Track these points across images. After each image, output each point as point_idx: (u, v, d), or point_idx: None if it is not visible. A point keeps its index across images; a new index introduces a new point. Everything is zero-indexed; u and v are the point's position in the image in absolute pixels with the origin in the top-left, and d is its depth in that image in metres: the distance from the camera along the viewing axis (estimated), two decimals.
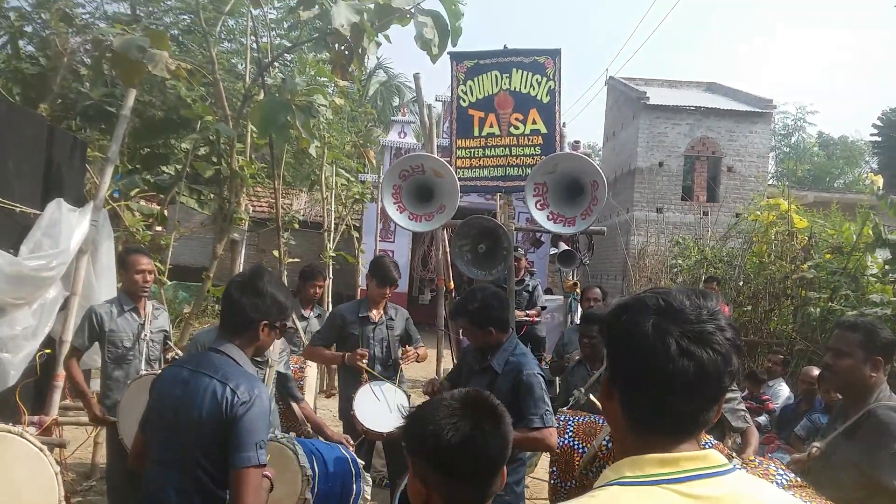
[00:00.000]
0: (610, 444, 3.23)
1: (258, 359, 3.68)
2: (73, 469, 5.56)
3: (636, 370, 1.18)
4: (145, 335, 4.55)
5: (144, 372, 4.30)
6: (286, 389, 4.24)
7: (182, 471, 2.34)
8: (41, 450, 3.43)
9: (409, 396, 4.66)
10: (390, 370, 4.74)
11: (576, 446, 3.37)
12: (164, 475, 2.37)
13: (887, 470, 2.49)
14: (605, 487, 1.14)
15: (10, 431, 3.38)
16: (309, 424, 4.17)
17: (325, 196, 11.37)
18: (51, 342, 4.95)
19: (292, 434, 3.42)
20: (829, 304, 7.89)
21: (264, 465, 2.31)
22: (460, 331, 7.76)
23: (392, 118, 19.32)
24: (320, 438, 3.79)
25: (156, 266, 5.11)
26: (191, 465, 2.33)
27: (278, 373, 4.00)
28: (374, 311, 4.82)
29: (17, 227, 4.74)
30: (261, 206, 17.13)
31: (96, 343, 4.49)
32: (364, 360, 4.55)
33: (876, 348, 2.80)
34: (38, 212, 4.89)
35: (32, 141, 5.08)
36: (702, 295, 1.21)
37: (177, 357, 4.81)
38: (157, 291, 7.19)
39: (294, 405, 4.23)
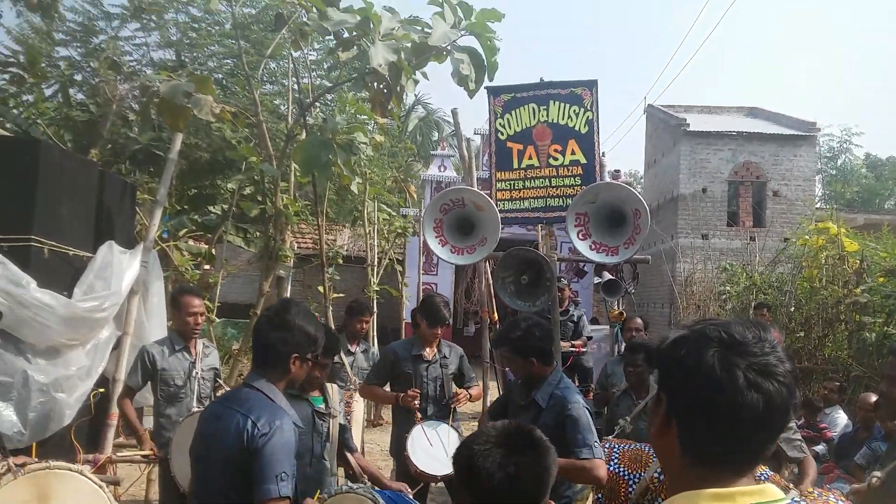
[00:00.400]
0: (662, 477, 3.17)
1: (322, 410, 3.70)
2: None
3: (701, 404, 1.16)
4: (196, 373, 4.63)
5: (196, 409, 4.36)
6: (342, 440, 4.08)
7: (209, 500, 2.39)
8: (101, 487, 3.51)
9: (461, 436, 4.56)
10: (444, 409, 4.69)
11: (621, 473, 3.34)
12: None
13: None
14: None
15: (70, 469, 3.47)
16: (365, 476, 4.06)
17: (367, 231, 11.49)
18: (104, 381, 5.06)
19: (368, 483, 3.43)
20: (886, 328, 7.67)
21: (287, 498, 2.30)
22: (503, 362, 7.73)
23: (432, 152, 19.50)
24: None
25: (205, 304, 5.21)
26: (221, 499, 2.36)
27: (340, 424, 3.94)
28: (427, 350, 4.79)
29: (71, 269, 4.88)
30: (305, 243, 17.36)
31: (149, 382, 4.58)
32: (416, 401, 4.52)
33: None
34: (90, 254, 5.03)
35: (84, 186, 5.25)
36: (759, 326, 1.20)
37: None
38: (207, 329, 7.33)
39: (349, 456, 4.05)
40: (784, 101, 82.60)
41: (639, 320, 6.55)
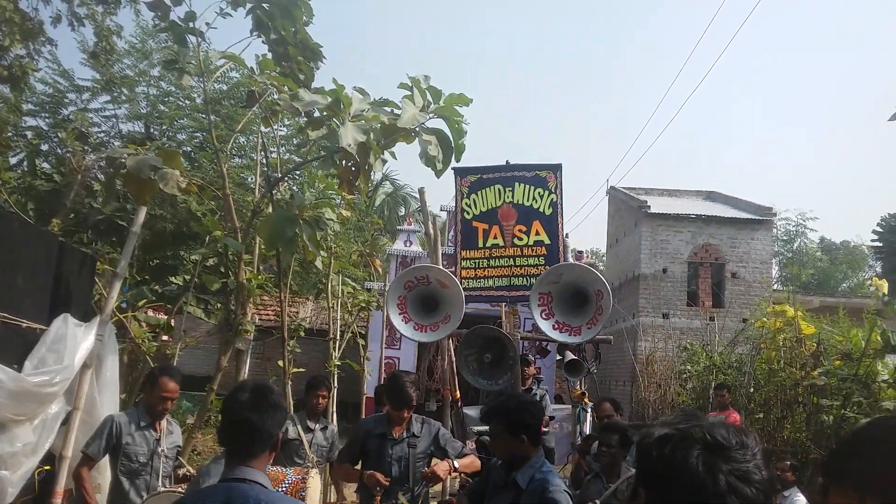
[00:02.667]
0: None
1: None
2: None
3: (679, 502, 1.19)
4: (161, 451, 4.49)
5: (162, 489, 4.20)
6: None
7: None
8: None
9: None
10: (410, 491, 4.38)
11: None
12: None
13: None
14: None
15: None
16: None
17: (331, 305, 11.40)
18: (50, 458, 4.87)
19: None
20: (843, 411, 7.76)
21: None
22: (467, 443, 7.62)
23: (398, 227, 19.61)
24: None
25: None
26: None
27: None
28: (396, 428, 4.55)
29: (24, 342, 4.75)
30: (267, 315, 17.15)
31: (107, 455, 4.42)
32: (379, 487, 4.22)
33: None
34: (44, 327, 4.91)
35: (42, 257, 5.17)
36: (741, 432, 1.25)
37: (189, 474, 4.72)
38: None
39: None
40: (742, 185, 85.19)
41: (607, 405, 6.43)
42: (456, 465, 4.40)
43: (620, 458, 4.89)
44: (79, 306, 5.59)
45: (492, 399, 4.42)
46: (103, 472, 4.69)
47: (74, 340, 4.94)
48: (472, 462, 4.53)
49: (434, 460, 4.56)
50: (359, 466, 4.63)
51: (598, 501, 4.53)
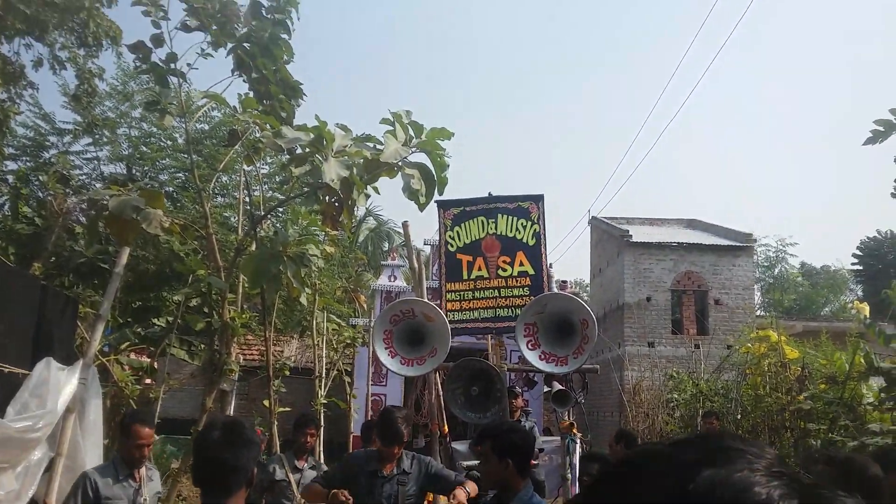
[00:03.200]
0: None
1: None
2: None
3: None
4: (143, 500, 4.40)
5: None
6: None
7: None
8: None
9: None
10: None
11: None
12: None
13: None
14: None
15: None
16: None
17: (316, 342, 11.34)
18: None
19: None
20: (830, 434, 7.77)
21: None
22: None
23: (382, 262, 19.61)
24: None
25: None
26: None
27: None
28: (387, 465, 4.49)
29: (6, 387, 4.69)
30: (251, 354, 17.01)
31: None
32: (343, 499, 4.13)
33: (849, 484, 2.72)
34: (26, 372, 4.85)
35: (24, 301, 5.12)
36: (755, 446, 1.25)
37: None
38: None
39: None
40: (722, 212, 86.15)
41: (612, 436, 6.20)
42: (468, 491, 4.29)
43: None
44: (61, 350, 5.53)
45: (487, 423, 4.40)
46: None
47: (57, 385, 4.88)
48: (474, 487, 4.43)
49: (452, 492, 4.38)
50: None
51: None
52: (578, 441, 8.27)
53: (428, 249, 19.22)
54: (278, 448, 7.72)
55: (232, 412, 9.09)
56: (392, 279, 18.26)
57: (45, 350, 5.19)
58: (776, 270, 44.19)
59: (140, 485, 4.43)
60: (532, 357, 5.72)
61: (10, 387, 4.71)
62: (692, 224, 24.18)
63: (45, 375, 4.86)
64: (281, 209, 10.58)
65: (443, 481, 4.52)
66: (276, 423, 7.93)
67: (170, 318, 8.59)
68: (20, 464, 4.66)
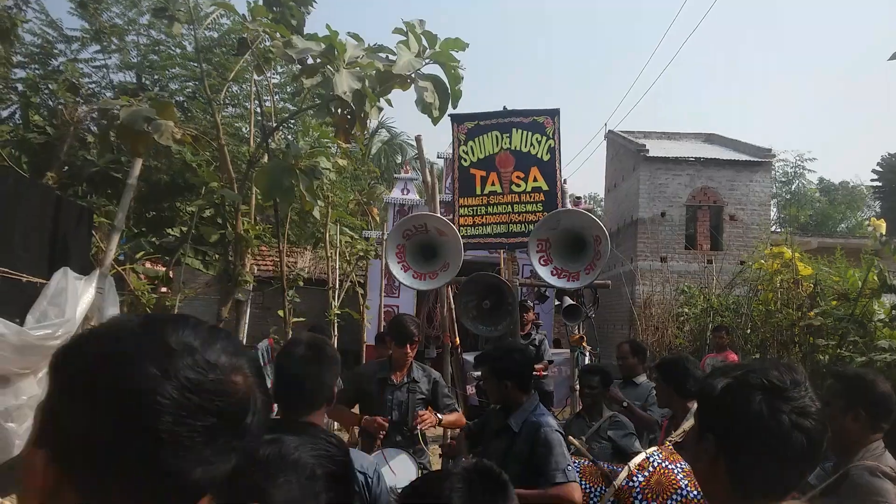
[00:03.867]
0: (632, 483, 3.22)
1: None
2: None
3: (752, 445, 1.32)
4: None
5: None
6: None
7: None
8: None
9: (423, 467, 4.28)
10: (410, 437, 4.42)
11: (585, 488, 3.39)
12: None
13: None
14: None
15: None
16: None
17: (329, 254, 11.42)
18: None
19: None
20: (838, 350, 7.83)
21: None
22: (467, 388, 7.72)
23: (395, 175, 19.50)
24: None
25: None
26: None
27: None
28: (397, 373, 4.59)
29: (24, 296, 4.76)
30: (265, 265, 17.19)
31: None
32: (382, 431, 4.24)
33: (857, 399, 2.70)
34: (44, 281, 4.92)
35: (39, 211, 5.15)
36: (791, 369, 1.37)
37: None
38: None
39: None
40: (740, 127, 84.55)
41: (626, 347, 6.28)
42: (440, 418, 4.46)
43: (602, 399, 5.02)
44: (77, 260, 5.59)
45: (489, 345, 4.48)
46: None
47: (75, 294, 4.96)
48: (458, 419, 4.60)
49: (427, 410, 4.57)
50: (356, 409, 4.70)
51: (583, 438, 4.63)
52: (587, 354, 8.39)
53: (441, 163, 19.08)
54: None
55: (247, 322, 9.26)
56: (405, 192, 18.20)
57: (62, 260, 5.25)
58: (793, 186, 43.64)
59: None
60: (544, 272, 5.73)
61: (29, 296, 4.79)
62: (710, 139, 23.75)
63: (63, 285, 4.93)
64: (292, 121, 10.46)
65: (438, 400, 4.65)
66: (290, 332, 8.08)
67: (184, 229, 8.63)
68: (41, 370, 4.78)
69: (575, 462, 3.56)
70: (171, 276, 9.06)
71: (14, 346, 4.36)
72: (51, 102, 8.53)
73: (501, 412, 3.60)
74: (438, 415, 4.48)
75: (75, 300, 4.93)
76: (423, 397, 4.61)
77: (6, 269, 4.52)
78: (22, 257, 4.82)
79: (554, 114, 6.03)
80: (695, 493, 3.06)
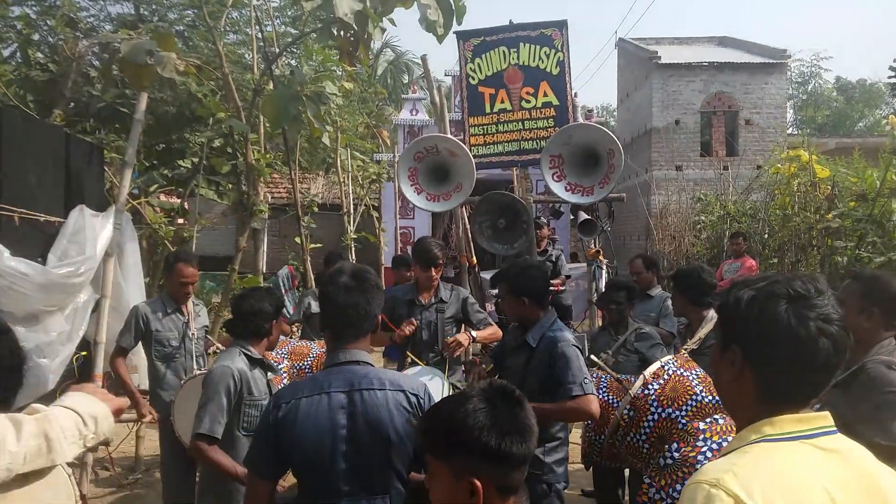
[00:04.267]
0: (630, 413, 3.30)
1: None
2: (119, 463, 5.70)
3: (779, 354, 1.35)
4: (192, 333, 4.62)
5: (198, 371, 4.34)
6: None
7: (375, 491, 2.28)
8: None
9: (453, 387, 4.24)
10: (439, 357, 4.44)
11: (610, 401, 3.46)
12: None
13: (868, 423, 2.42)
14: (753, 444, 1.33)
15: None
16: None
17: (341, 179, 11.41)
18: (86, 345, 5.05)
19: None
20: (857, 251, 7.80)
21: None
22: (486, 306, 7.81)
23: (403, 96, 19.21)
24: None
25: None
26: (387, 482, 2.28)
27: None
28: (425, 294, 4.61)
29: (44, 236, 4.83)
30: (279, 192, 17.21)
31: (140, 342, 4.56)
32: (409, 329, 4.34)
33: (872, 299, 2.73)
34: (62, 220, 4.97)
35: (50, 150, 5.16)
36: (812, 279, 1.39)
37: (218, 350, 4.87)
38: None
39: None
40: (754, 28, 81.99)
41: (638, 262, 6.25)
42: (475, 335, 4.48)
43: (627, 312, 5.03)
44: (92, 197, 5.63)
45: (506, 263, 4.48)
46: (137, 354, 4.86)
47: (93, 231, 5.01)
48: (493, 333, 4.57)
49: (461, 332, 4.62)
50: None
51: (609, 352, 4.68)
52: (604, 267, 8.41)
53: (449, 81, 18.73)
54: (312, 283, 7.99)
55: (265, 249, 9.36)
56: (414, 112, 17.95)
57: (77, 198, 5.29)
58: (810, 86, 42.60)
59: (188, 319, 4.64)
60: (558, 188, 5.71)
61: (48, 236, 4.86)
62: (724, 42, 23.11)
63: (81, 223, 4.98)
64: (295, 46, 10.27)
65: (470, 317, 4.65)
66: (308, 258, 8.16)
67: (195, 160, 8.62)
68: (68, 307, 4.89)
69: (604, 376, 3.63)
70: (187, 207, 9.12)
71: (39, 285, 4.45)
72: (51, 39, 8.41)
73: (520, 328, 3.65)
74: (473, 332, 4.51)
75: (94, 237, 4.99)
76: (452, 316, 4.64)
77: (24, 210, 4.57)
78: (38, 197, 4.86)
79: (562, 25, 5.88)
80: (710, 398, 3.12)
